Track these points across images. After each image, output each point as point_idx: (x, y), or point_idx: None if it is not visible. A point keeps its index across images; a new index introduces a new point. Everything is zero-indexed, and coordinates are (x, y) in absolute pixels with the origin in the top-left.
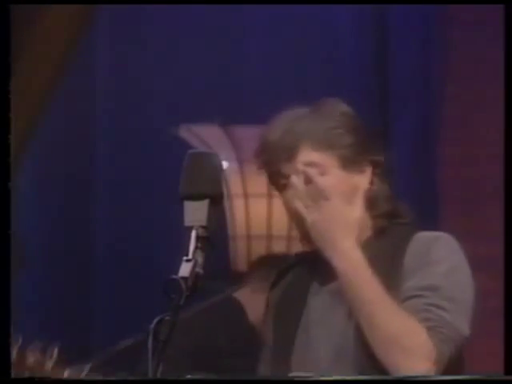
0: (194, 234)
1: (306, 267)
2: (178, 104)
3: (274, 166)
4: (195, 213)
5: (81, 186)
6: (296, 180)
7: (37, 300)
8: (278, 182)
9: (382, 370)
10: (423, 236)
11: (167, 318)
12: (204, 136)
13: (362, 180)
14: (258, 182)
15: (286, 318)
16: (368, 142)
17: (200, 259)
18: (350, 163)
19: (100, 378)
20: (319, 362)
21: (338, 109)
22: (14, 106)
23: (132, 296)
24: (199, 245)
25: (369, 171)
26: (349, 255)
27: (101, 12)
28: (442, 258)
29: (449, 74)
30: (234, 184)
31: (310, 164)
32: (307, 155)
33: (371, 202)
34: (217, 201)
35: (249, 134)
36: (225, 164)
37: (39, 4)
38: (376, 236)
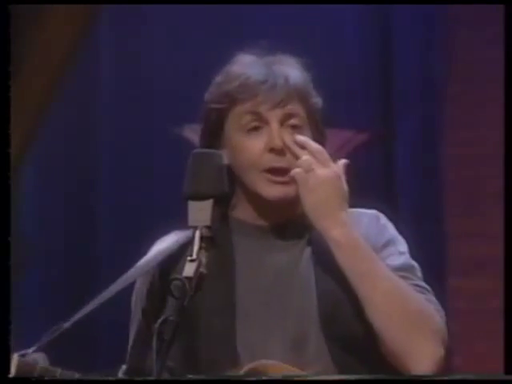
0: (198, 234)
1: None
2: (181, 103)
3: (252, 107)
4: (199, 213)
5: (83, 186)
6: (277, 128)
7: (38, 300)
8: (247, 123)
9: (359, 365)
10: (359, 213)
11: (171, 318)
12: None
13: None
14: None
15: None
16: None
17: (204, 259)
18: (317, 125)
19: (100, 378)
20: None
21: (300, 62)
22: (16, 106)
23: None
24: (203, 245)
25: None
26: (350, 226)
27: (104, 12)
28: (396, 236)
29: (452, 73)
30: None
31: (295, 115)
32: (295, 106)
33: None
34: (221, 201)
35: None
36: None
37: (39, 4)
38: None
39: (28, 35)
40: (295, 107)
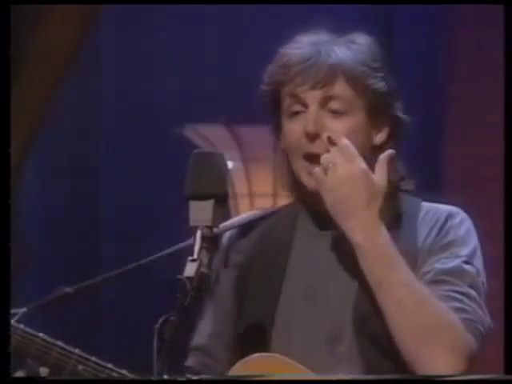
0: (199, 233)
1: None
2: (183, 103)
3: (292, 89)
4: (200, 213)
5: (86, 185)
6: (315, 111)
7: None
8: (289, 107)
9: (390, 367)
10: (435, 208)
11: (172, 318)
12: (209, 136)
13: (381, 136)
14: (264, 182)
15: (260, 288)
16: (396, 94)
17: (205, 259)
18: (376, 111)
19: (100, 378)
20: (305, 354)
21: (375, 47)
22: (17, 107)
23: (143, 297)
24: (204, 245)
25: (387, 128)
26: (372, 229)
27: (105, 12)
28: (462, 238)
29: (454, 73)
30: (239, 184)
31: (338, 98)
32: (340, 87)
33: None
34: (222, 201)
35: (254, 134)
36: (230, 164)
37: (39, 4)
38: (384, 203)
39: (29, 35)
40: (339, 88)
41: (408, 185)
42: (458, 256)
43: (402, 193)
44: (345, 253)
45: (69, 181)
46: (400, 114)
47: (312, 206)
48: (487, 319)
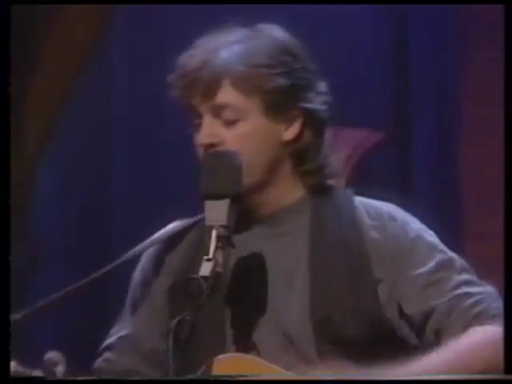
0: (214, 233)
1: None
2: None
3: (189, 101)
4: (216, 212)
5: (101, 185)
6: (209, 122)
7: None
8: (191, 119)
9: (351, 366)
10: (372, 207)
11: (187, 317)
12: None
13: (292, 131)
14: None
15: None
16: (303, 86)
17: (220, 259)
18: (276, 110)
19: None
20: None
21: (273, 39)
22: (31, 106)
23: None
24: (219, 244)
25: (299, 121)
26: None
27: (119, 13)
28: (420, 230)
29: (468, 73)
30: None
31: (227, 106)
32: (226, 95)
33: (299, 157)
34: (237, 200)
35: None
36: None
37: (40, 4)
38: (312, 196)
39: (42, 35)
40: (226, 95)
41: (338, 182)
42: (429, 249)
43: (331, 189)
44: (289, 254)
45: (83, 181)
46: (311, 104)
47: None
48: (489, 288)
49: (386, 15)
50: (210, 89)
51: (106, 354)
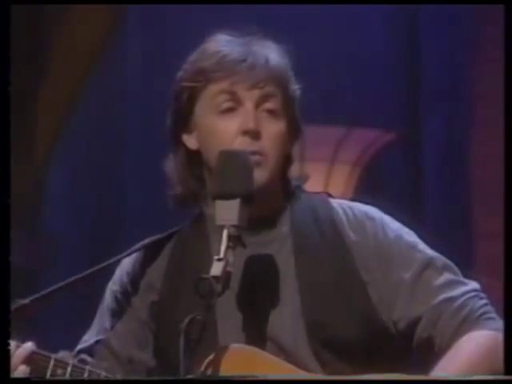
0: (225, 233)
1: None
2: None
3: (228, 86)
4: (226, 212)
5: (112, 183)
6: (251, 110)
7: (67, 300)
8: (220, 103)
9: (346, 368)
10: (349, 208)
11: (198, 317)
12: None
13: (290, 147)
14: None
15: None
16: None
17: (231, 258)
18: (292, 122)
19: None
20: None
21: (281, 48)
22: (44, 106)
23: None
24: (230, 244)
25: (294, 139)
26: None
27: (131, 12)
28: (398, 230)
29: (479, 77)
30: None
31: (272, 96)
32: (274, 90)
33: (287, 165)
34: (248, 200)
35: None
36: None
37: (40, 4)
38: (290, 202)
39: (55, 35)
40: (273, 91)
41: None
42: (412, 250)
43: (300, 191)
44: (277, 260)
45: (94, 180)
46: (300, 123)
47: None
48: (472, 284)
49: (399, 16)
50: (266, 81)
51: (83, 356)
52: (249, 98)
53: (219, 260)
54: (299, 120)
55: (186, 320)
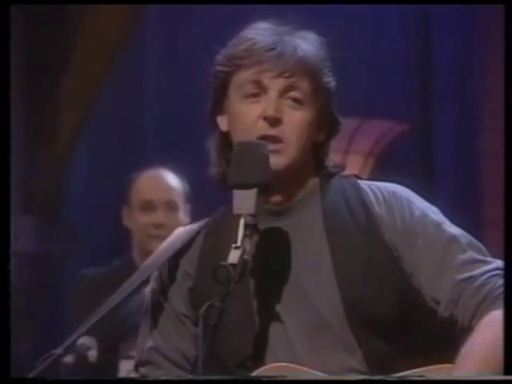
0: (242, 221)
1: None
2: None
3: (255, 74)
4: (244, 201)
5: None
6: (275, 98)
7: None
8: (246, 90)
9: (386, 348)
10: (377, 188)
11: (216, 303)
12: None
13: (321, 135)
14: None
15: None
16: (336, 96)
17: (248, 246)
18: (324, 111)
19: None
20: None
21: (324, 46)
22: (65, 103)
23: None
24: (247, 232)
25: (327, 128)
26: None
27: (151, 11)
28: (425, 209)
29: (490, 69)
30: None
31: (298, 88)
32: (301, 80)
33: (318, 153)
34: (265, 189)
35: None
36: None
37: (40, 4)
38: (320, 184)
39: (75, 35)
40: (300, 80)
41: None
42: (440, 231)
43: (339, 175)
44: (309, 243)
45: (115, 169)
46: (338, 116)
47: None
48: (495, 263)
49: (411, 15)
50: (293, 71)
51: (142, 370)
52: (273, 86)
53: (236, 248)
54: (332, 110)
55: (205, 306)
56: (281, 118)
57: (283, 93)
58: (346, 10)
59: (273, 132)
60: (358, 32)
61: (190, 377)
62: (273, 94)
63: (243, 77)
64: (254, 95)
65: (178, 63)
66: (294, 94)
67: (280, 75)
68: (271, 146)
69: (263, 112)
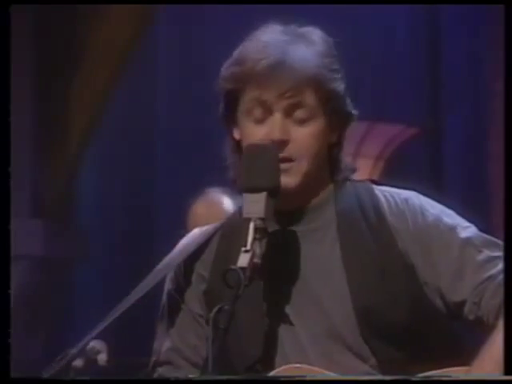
0: (252, 225)
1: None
2: None
3: (257, 94)
4: (253, 205)
5: (144, 176)
6: (281, 119)
7: (100, 292)
8: (251, 110)
9: (397, 354)
10: (390, 195)
11: (226, 307)
12: None
13: (336, 135)
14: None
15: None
16: (347, 92)
17: (258, 250)
18: (336, 115)
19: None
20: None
21: (329, 44)
22: (75, 104)
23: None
24: (257, 236)
25: (342, 126)
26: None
27: (162, 12)
28: (437, 214)
29: (500, 69)
30: None
31: (302, 105)
32: (302, 95)
33: (333, 158)
34: (274, 193)
35: None
36: None
37: (40, 4)
38: (335, 190)
39: (85, 36)
40: (305, 97)
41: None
42: (454, 233)
43: (353, 180)
44: (322, 248)
45: (126, 172)
46: (351, 109)
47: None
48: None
49: (420, 16)
50: (295, 90)
51: (160, 371)
52: (278, 107)
53: (246, 251)
54: (344, 109)
55: (215, 310)
56: (287, 139)
57: (288, 112)
58: (355, 11)
59: (281, 154)
60: (368, 35)
61: (190, 377)
62: (278, 115)
63: (248, 97)
64: (260, 117)
65: (191, 64)
66: (299, 113)
67: (283, 95)
68: (282, 166)
69: (269, 135)
